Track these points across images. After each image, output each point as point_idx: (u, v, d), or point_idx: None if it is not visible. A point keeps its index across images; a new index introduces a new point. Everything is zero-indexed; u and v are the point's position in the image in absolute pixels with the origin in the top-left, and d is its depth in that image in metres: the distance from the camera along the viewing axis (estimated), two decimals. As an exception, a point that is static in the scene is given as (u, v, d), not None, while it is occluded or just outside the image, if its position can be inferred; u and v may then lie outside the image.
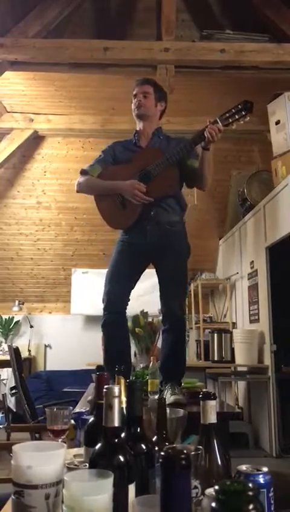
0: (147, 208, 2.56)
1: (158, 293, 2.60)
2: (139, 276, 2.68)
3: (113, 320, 2.59)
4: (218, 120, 2.45)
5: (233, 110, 2.47)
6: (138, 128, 2.77)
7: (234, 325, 5.58)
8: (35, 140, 5.94)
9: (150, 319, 3.12)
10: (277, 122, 4.50)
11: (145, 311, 3.11)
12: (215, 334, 5.06)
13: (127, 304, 2.63)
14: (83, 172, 2.73)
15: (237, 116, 2.46)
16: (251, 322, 5.01)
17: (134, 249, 2.62)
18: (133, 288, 2.65)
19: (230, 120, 2.46)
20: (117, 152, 2.75)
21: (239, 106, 2.47)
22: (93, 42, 4.04)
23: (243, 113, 2.45)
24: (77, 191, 2.80)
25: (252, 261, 5.00)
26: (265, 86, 4.65)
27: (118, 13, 4.72)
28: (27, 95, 5.35)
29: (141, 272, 2.68)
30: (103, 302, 2.62)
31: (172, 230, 2.59)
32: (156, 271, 2.65)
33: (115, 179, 2.63)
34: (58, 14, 4.29)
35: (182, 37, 4.54)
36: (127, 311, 2.65)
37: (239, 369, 4.86)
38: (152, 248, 2.57)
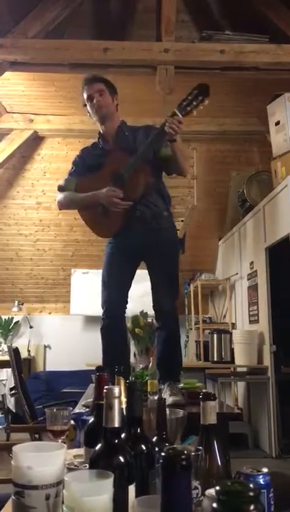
0: (131, 209, 2.53)
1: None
2: (133, 276, 2.67)
3: (112, 324, 2.59)
4: (176, 111, 2.38)
5: (189, 98, 2.38)
6: (101, 131, 2.70)
7: (234, 325, 5.57)
8: (35, 140, 5.95)
9: (149, 320, 3.11)
10: (277, 123, 4.50)
11: (145, 311, 3.10)
12: (215, 335, 5.06)
13: (126, 307, 2.63)
14: (60, 188, 2.70)
15: (195, 103, 2.38)
16: (251, 322, 5.01)
17: (124, 250, 2.61)
18: (129, 289, 2.65)
19: (188, 108, 2.38)
20: (87, 160, 2.70)
21: (195, 92, 2.38)
22: (93, 43, 4.04)
23: (201, 98, 2.37)
24: (59, 209, 2.78)
25: (252, 262, 5.00)
26: (265, 86, 4.65)
27: (117, 14, 4.72)
28: (27, 96, 5.35)
29: (134, 271, 2.67)
30: (103, 307, 2.61)
31: (160, 227, 2.57)
32: (148, 269, 2.63)
33: (90, 189, 2.58)
34: (58, 14, 4.29)
35: (182, 37, 4.54)
36: (126, 311, 2.65)
37: (239, 369, 4.86)
38: (141, 247, 2.56)
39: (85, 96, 2.62)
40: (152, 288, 2.59)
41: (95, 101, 2.58)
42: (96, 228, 2.71)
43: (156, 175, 2.63)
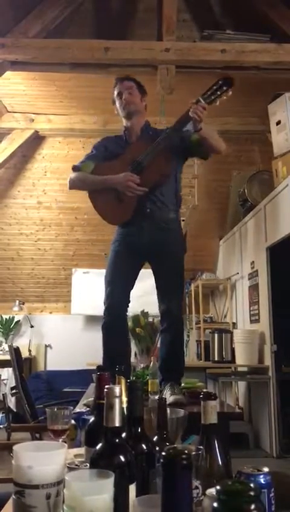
0: (142, 203, 2.53)
1: (159, 294, 2.60)
2: (137, 275, 2.66)
3: (114, 322, 2.57)
4: (201, 99, 2.41)
5: (214, 87, 2.42)
6: (125, 125, 2.73)
7: (235, 325, 5.58)
8: (36, 140, 5.94)
9: (150, 319, 3.11)
10: (278, 123, 4.50)
11: (145, 311, 3.11)
12: (216, 334, 5.06)
13: (128, 306, 2.62)
14: (75, 168, 2.69)
15: (219, 93, 2.41)
16: (252, 322, 5.01)
17: (130, 248, 2.59)
18: (132, 289, 2.64)
19: (212, 97, 2.42)
20: (109, 149, 2.72)
21: (220, 82, 2.42)
22: (94, 42, 4.04)
23: (225, 88, 2.41)
24: (70, 188, 2.75)
25: (253, 261, 5.00)
26: (266, 86, 4.65)
27: (118, 13, 4.72)
28: (28, 95, 5.34)
29: (138, 270, 2.66)
30: (105, 304, 2.60)
31: (168, 228, 2.57)
32: (153, 270, 2.62)
33: (107, 174, 2.60)
34: (59, 14, 4.29)
35: (183, 37, 4.54)
36: (128, 311, 2.64)
37: (239, 369, 4.86)
38: (149, 247, 2.55)
39: (115, 93, 2.68)
40: (158, 290, 2.58)
41: (124, 97, 2.64)
42: (105, 213, 2.67)
43: (174, 166, 2.64)
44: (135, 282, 2.65)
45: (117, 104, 2.69)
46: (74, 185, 2.72)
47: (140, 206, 2.54)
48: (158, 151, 2.51)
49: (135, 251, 2.59)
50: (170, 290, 2.55)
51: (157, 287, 2.59)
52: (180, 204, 2.73)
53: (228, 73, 2.47)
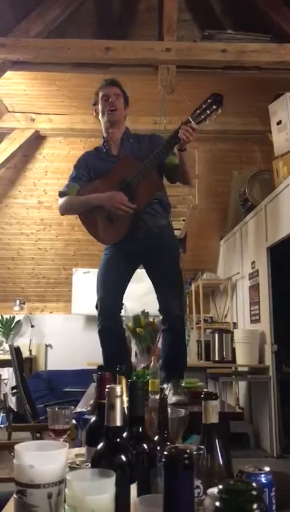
0: (135, 218, 2.52)
1: (159, 293, 2.60)
2: (130, 280, 2.67)
3: (109, 326, 2.59)
4: (190, 119, 2.38)
5: (203, 106, 2.38)
6: (105, 135, 2.68)
7: (235, 325, 5.57)
8: (37, 140, 5.95)
9: (151, 319, 3.11)
10: (279, 123, 4.50)
11: (146, 311, 3.11)
12: (216, 334, 5.06)
13: (122, 307, 2.64)
14: (61, 194, 2.66)
15: (208, 112, 2.38)
16: (252, 322, 5.01)
17: (124, 254, 2.60)
18: (124, 292, 2.64)
19: (202, 117, 2.38)
20: (90, 165, 2.66)
21: (209, 100, 2.38)
22: (94, 42, 4.04)
23: (214, 107, 2.37)
24: (61, 214, 2.75)
25: (253, 261, 5.00)
26: (267, 86, 4.65)
27: (119, 13, 4.72)
28: (28, 95, 5.35)
29: (131, 275, 2.67)
30: (97, 308, 2.61)
31: (160, 233, 2.57)
32: (150, 274, 2.62)
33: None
34: (59, 13, 4.29)
35: (184, 37, 4.54)
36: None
37: (240, 369, 4.86)
38: (143, 252, 2.56)
39: (101, 94, 2.62)
40: (158, 292, 2.58)
41: (110, 100, 2.59)
42: (98, 234, 2.65)
43: (161, 183, 2.65)
44: (126, 286, 2.65)
45: (100, 106, 2.63)
46: (64, 211, 2.70)
47: (134, 220, 2.53)
48: (146, 171, 2.47)
49: (129, 257, 2.59)
50: (171, 291, 2.54)
51: (156, 290, 2.59)
52: (170, 211, 2.72)
53: (219, 90, 2.40)
